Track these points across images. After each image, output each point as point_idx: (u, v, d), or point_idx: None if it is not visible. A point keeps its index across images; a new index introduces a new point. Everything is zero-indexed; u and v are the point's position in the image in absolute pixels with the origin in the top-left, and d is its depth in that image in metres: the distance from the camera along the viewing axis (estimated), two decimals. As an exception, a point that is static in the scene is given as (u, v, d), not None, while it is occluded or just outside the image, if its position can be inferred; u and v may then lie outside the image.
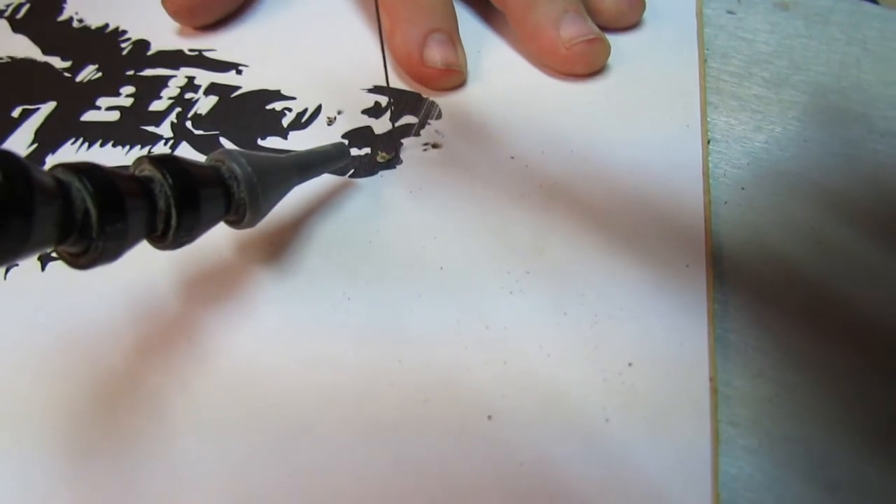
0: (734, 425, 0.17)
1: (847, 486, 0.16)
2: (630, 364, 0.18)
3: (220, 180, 0.17)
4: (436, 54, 0.26)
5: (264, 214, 0.19)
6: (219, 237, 0.22)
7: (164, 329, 0.21)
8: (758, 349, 0.19)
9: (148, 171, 0.16)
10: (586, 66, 0.26)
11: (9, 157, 0.12)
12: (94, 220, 0.14)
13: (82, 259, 0.14)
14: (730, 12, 0.29)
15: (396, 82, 0.27)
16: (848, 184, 0.22)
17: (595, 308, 0.19)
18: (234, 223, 0.19)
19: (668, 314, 0.19)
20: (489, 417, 0.18)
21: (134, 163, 0.16)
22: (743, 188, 0.23)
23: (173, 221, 0.16)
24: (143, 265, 0.22)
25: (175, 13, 0.30)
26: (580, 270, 0.20)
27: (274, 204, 0.20)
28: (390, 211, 0.23)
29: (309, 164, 0.21)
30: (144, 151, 0.26)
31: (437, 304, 0.20)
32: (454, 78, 0.26)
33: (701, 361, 0.18)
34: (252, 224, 0.19)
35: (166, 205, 0.16)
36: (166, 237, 0.16)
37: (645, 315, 0.19)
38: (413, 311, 0.20)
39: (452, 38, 0.26)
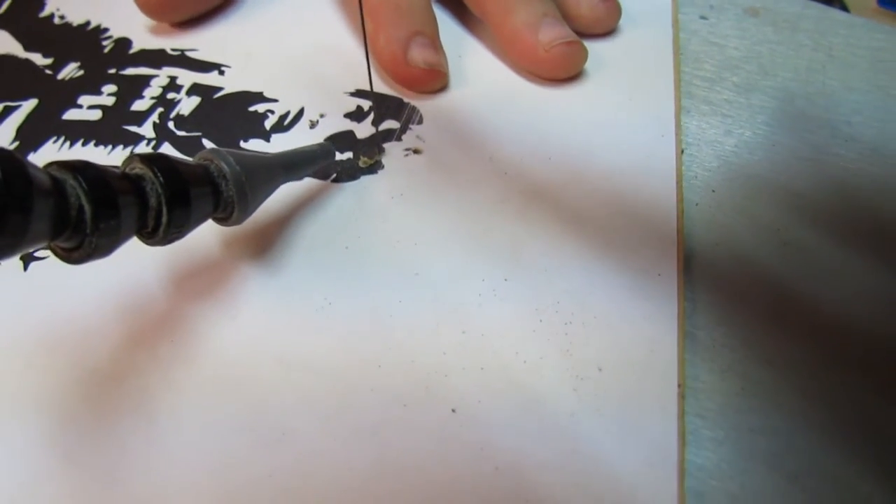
0: (701, 417, 0.19)
1: (807, 476, 0.18)
2: (601, 369, 0.19)
3: (209, 178, 0.18)
4: (419, 55, 0.27)
5: (251, 212, 0.20)
6: (206, 233, 0.23)
7: (149, 327, 0.21)
8: (725, 345, 0.20)
9: (139, 169, 0.16)
10: (565, 69, 0.27)
11: (8, 155, 0.12)
12: (88, 217, 0.14)
13: (75, 254, 0.15)
14: (702, 17, 0.30)
15: (380, 86, 0.28)
16: (813, 187, 0.23)
17: (570, 315, 0.20)
18: (222, 220, 0.20)
19: (640, 321, 0.20)
20: (465, 422, 0.19)
21: (125, 161, 0.17)
22: (713, 190, 0.24)
23: (164, 218, 0.16)
24: (131, 259, 0.22)
25: (143, 6, 0.30)
26: (556, 278, 0.21)
27: (261, 202, 0.20)
28: (372, 216, 0.23)
29: (295, 163, 0.22)
30: (126, 152, 0.26)
31: (416, 309, 0.21)
32: (437, 79, 0.27)
33: (670, 367, 0.19)
34: (239, 221, 0.20)
35: (157, 202, 0.16)
36: (156, 233, 0.17)
37: (618, 322, 0.20)
38: (393, 316, 0.21)
39: (434, 41, 0.27)
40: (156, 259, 0.23)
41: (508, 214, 0.23)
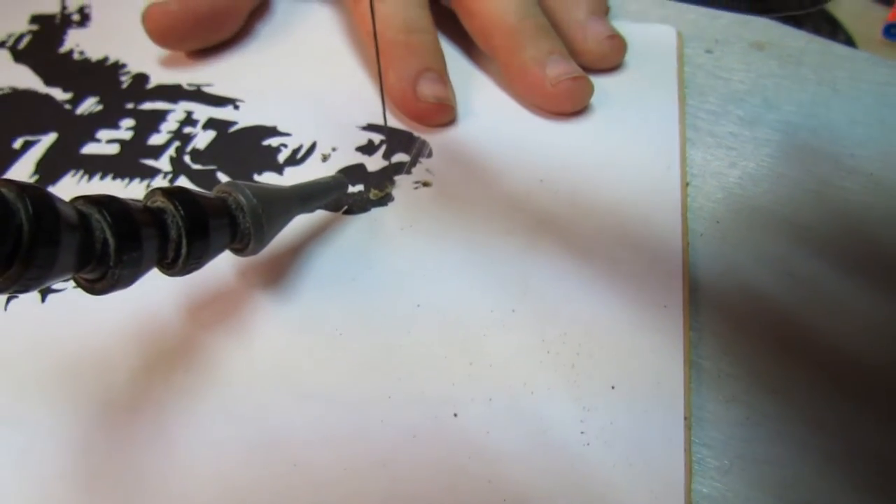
0: (707, 447, 0.19)
1: (813, 506, 0.18)
2: (608, 401, 0.20)
3: (226, 211, 0.19)
4: (428, 90, 0.28)
5: (267, 242, 0.21)
6: (222, 263, 0.23)
7: (165, 356, 0.22)
8: (731, 375, 0.20)
9: (160, 202, 0.17)
10: (572, 103, 0.28)
11: (37, 191, 0.13)
12: (112, 250, 0.15)
13: (98, 285, 0.16)
14: (707, 51, 0.31)
15: (391, 121, 0.29)
16: (818, 218, 0.24)
17: (577, 346, 0.21)
18: (238, 251, 0.20)
19: (647, 352, 0.21)
20: (474, 454, 0.19)
21: (147, 194, 0.17)
22: (718, 221, 0.24)
23: (183, 250, 0.17)
24: (147, 290, 0.22)
25: (153, 31, 0.31)
26: (563, 309, 0.22)
27: (276, 232, 0.21)
28: (382, 247, 0.24)
29: (310, 195, 0.23)
30: (144, 185, 0.27)
31: (425, 340, 0.21)
32: (446, 113, 0.28)
33: (677, 398, 0.20)
34: (255, 251, 0.20)
35: (177, 234, 0.17)
36: (176, 264, 0.17)
37: (624, 353, 0.21)
38: (402, 346, 0.21)
39: (442, 76, 0.28)
40: (172, 289, 0.23)
41: (516, 246, 0.24)
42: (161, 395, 0.21)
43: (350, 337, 0.22)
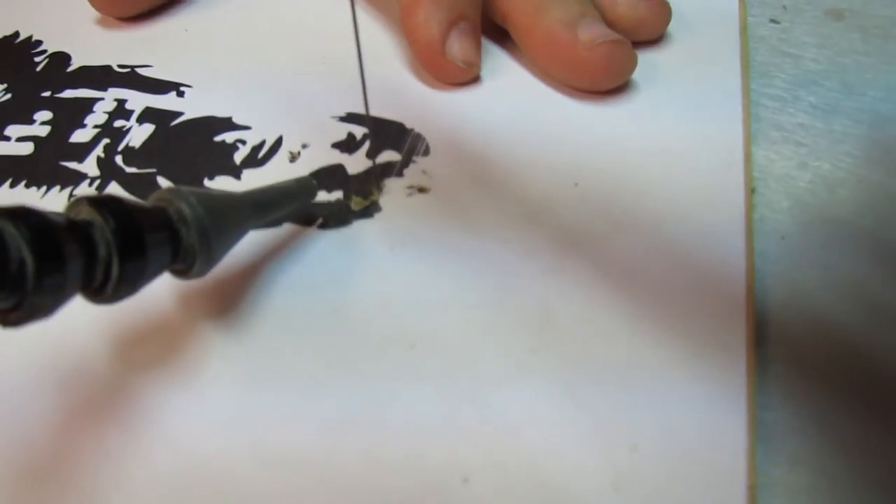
0: (772, 522, 0.20)
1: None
2: (651, 466, 0.20)
3: (167, 223, 0.20)
4: (458, 49, 0.29)
5: (216, 263, 0.21)
6: (160, 289, 0.24)
7: (93, 411, 0.22)
8: (795, 429, 0.21)
9: (86, 214, 0.18)
10: (610, 73, 0.29)
11: None
12: (30, 272, 0.15)
13: (13, 316, 0.16)
14: (773, 21, 0.32)
15: (378, 108, 0.29)
16: (909, 234, 0.25)
17: (612, 397, 0.21)
18: (180, 273, 0.21)
19: (699, 404, 0.21)
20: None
21: (69, 205, 0.18)
22: (783, 237, 0.25)
23: (114, 272, 0.18)
24: (65, 323, 0.22)
25: None
26: (596, 349, 0.22)
27: (227, 250, 0.22)
28: (367, 272, 0.25)
29: (268, 203, 0.24)
30: (65, 194, 0.28)
31: (422, 391, 0.22)
32: (469, 75, 0.30)
33: (738, 463, 0.20)
34: (202, 274, 0.21)
35: (107, 253, 0.18)
36: (105, 290, 0.18)
37: (671, 406, 0.21)
38: (395, 399, 0.22)
39: (476, 29, 0.30)
40: (96, 321, 0.24)
41: (537, 270, 0.24)
42: (94, 461, 0.21)
43: (327, 384, 0.22)
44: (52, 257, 0.16)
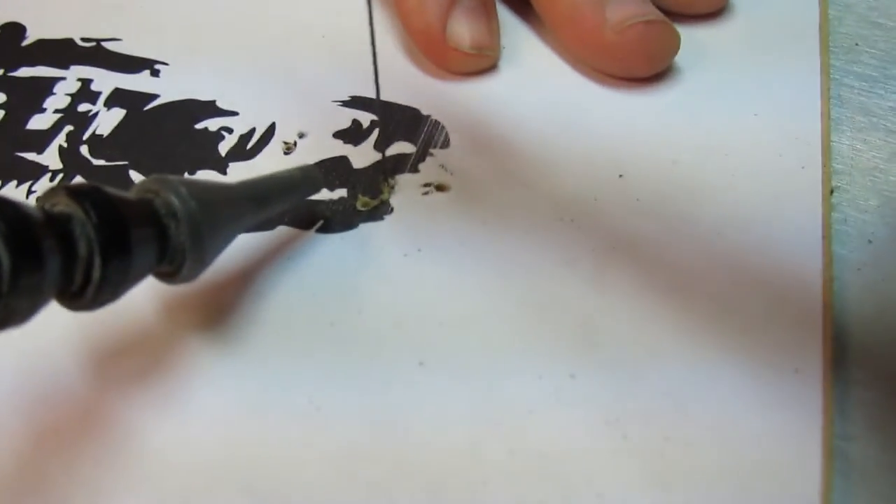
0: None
1: None
2: None
3: (153, 218, 0.20)
4: (464, 30, 0.29)
5: (208, 264, 0.22)
6: (140, 296, 0.23)
7: (66, 436, 0.22)
8: (883, 464, 0.21)
9: (64, 205, 0.18)
10: (644, 59, 0.29)
11: None
12: (6, 272, 0.16)
13: None
14: (861, -13, 0.32)
15: (389, 91, 0.29)
16: None
17: (666, 428, 0.21)
18: (167, 276, 0.21)
19: (768, 439, 0.21)
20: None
21: (44, 195, 0.18)
22: (870, 241, 0.25)
23: (96, 273, 0.18)
24: (34, 332, 0.22)
25: None
26: (646, 374, 0.22)
27: (221, 249, 0.22)
28: (375, 281, 0.25)
29: (267, 196, 0.24)
30: (22, 190, 0.28)
31: (442, 418, 0.22)
32: (482, 62, 0.30)
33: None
34: (192, 277, 0.21)
35: (87, 251, 0.18)
36: (85, 293, 0.18)
37: (735, 439, 0.21)
38: (409, 428, 0.22)
39: (487, 4, 0.30)
40: (69, 331, 0.24)
41: (576, 281, 0.24)
42: (61, 487, 0.21)
43: (329, 410, 0.22)
44: (30, 254, 0.16)
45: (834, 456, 0.21)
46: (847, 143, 0.28)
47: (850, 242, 0.25)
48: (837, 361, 0.23)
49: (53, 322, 0.19)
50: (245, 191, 0.23)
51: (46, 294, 0.17)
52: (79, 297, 0.18)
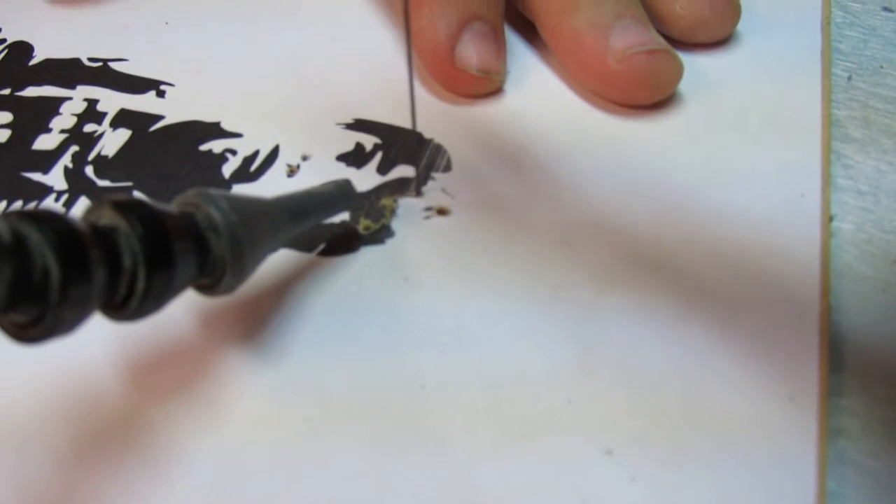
0: None
1: None
2: None
3: (194, 231, 0.20)
4: (472, 54, 0.30)
5: (247, 277, 0.22)
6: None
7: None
8: (887, 486, 0.21)
9: (109, 218, 0.18)
10: (645, 88, 0.29)
11: None
12: (55, 282, 0.16)
13: (32, 331, 0.17)
14: (887, 9, 0.33)
15: (392, 115, 0.30)
16: None
17: (663, 456, 0.22)
18: (206, 288, 0.22)
19: (763, 468, 0.21)
20: None
21: (90, 209, 0.19)
22: (895, 261, 0.26)
23: (140, 285, 0.18)
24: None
25: None
26: (643, 402, 0.23)
27: (260, 263, 0.23)
28: (376, 307, 0.25)
29: (305, 210, 0.24)
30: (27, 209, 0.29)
31: (437, 444, 0.22)
32: (488, 85, 0.30)
33: None
34: (231, 289, 0.22)
35: (132, 263, 0.18)
36: (128, 305, 0.19)
37: (732, 469, 0.21)
38: (406, 469, 0.22)
39: (496, 30, 0.30)
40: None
41: (575, 305, 0.25)
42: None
43: (327, 434, 0.23)
44: (79, 265, 0.17)
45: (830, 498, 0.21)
46: (872, 163, 0.28)
47: (875, 263, 0.26)
48: (837, 396, 0.23)
49: (93, 333, 0.20)
50: (283, 205, 0.24)
51: (93, 305, 0.18)
52: (122, 308, 0.19)
